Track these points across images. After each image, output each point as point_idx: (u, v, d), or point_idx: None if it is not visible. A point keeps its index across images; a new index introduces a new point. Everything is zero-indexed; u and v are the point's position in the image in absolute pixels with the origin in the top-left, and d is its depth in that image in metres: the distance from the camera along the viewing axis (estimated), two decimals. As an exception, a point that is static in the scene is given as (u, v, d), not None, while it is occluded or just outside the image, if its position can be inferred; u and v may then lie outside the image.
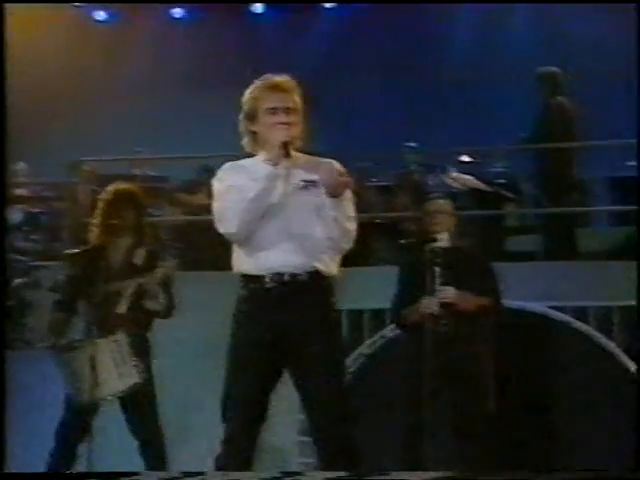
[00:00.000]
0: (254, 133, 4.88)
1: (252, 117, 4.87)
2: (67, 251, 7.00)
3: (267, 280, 4.91)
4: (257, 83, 4.88)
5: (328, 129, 10.08)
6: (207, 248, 8.65)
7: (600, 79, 10.72)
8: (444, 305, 6.17)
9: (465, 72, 11.82)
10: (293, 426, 7.73)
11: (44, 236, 9.29)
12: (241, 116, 4.90)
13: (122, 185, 6.76)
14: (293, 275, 4.91)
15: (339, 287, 4.90)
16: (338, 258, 4.98)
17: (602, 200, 9.91)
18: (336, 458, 4.88)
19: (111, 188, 6.69)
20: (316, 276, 4.93)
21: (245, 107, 4.90)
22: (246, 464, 4.94)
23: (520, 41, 11.75)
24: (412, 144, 10.21)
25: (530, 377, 7.49)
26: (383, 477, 4.56)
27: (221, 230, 4.93)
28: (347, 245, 4.96)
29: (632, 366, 7.63)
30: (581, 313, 7.77)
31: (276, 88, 4.87)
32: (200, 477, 4.72)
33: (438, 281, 6.18)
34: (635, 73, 9.10)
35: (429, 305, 6.08)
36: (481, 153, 9.65)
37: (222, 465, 4.96)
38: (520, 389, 7.14)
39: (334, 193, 4.75)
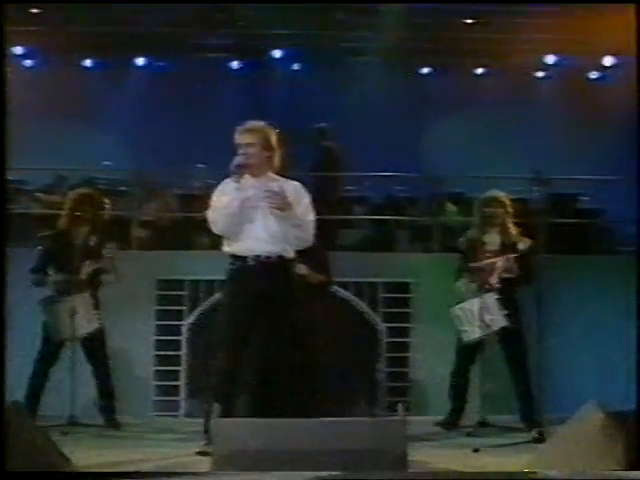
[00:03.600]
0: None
1: (237, 147, 5.84)
2: (41, 233, 7.89)
3: (249, 260, 5.80)
4: (241, 125, 5.89)
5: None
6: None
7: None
8: (298, 277, 6.77)
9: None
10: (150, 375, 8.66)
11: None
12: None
13: (83, 189, 7.97)
14: (267, 257, 5.79)
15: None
16: (295, 247, 5.92)
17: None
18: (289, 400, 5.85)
19: (74, 191, 7.82)
20: (281, 258, 5.84)
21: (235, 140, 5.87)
22: (231, 382, 5.79)
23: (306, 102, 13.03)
24: (201, 165, 11.19)
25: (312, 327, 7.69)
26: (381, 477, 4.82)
27: (213, 230, 5.88)
28: (307, 242, 5.93)
29: (375, 320, 8.84)
30: (344, 285, 8.81)
31: (242, 130, 5.86)
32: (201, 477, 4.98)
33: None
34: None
35: None
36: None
37: (216, 381, 5.79)
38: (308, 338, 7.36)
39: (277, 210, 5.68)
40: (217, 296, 8.58)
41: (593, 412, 5.10)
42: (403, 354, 8.95)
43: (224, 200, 5.81)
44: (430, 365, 8.76)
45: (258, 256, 5.81)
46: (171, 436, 7.41)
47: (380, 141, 12.65)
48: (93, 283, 7.48)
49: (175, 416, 8.68)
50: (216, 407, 4.76)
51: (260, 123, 5.96)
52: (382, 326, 8.91)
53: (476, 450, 6.36)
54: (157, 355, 8.80)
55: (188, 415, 8.67)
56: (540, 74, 14.30)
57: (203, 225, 10.13)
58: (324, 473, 4.45)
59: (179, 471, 5.24)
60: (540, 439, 6.54)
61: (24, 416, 5.01)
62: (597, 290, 9.00)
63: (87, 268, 7.37)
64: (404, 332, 8.96)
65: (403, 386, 8.89)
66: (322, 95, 12.98)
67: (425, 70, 14.19)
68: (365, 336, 8.94)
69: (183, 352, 8.79)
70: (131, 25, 12.34)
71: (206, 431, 5.90)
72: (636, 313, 6.96)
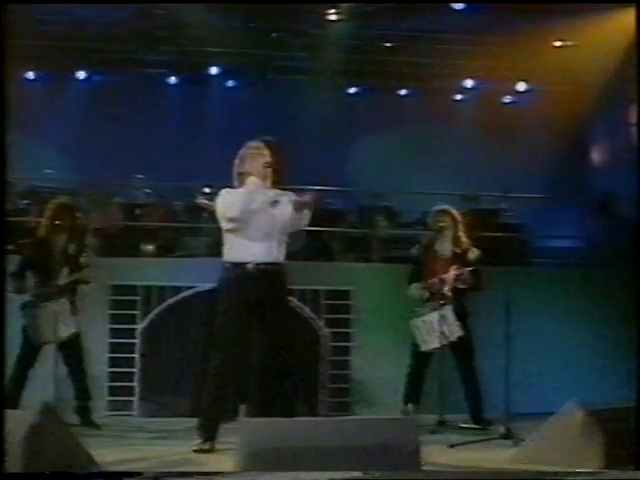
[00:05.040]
0: (240, 173, 6.13)
1: (242, 162, 6.15)
2: (20, 241, 7.76)
3: (248, 266, 6.00)
4: (247, 144, 6.21)
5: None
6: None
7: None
8: None
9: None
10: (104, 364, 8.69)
11: None
12: (236, 161, 6.18)
13: (61, 199, 7.95)
14: (264, 263, 6.00)
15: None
16: (284, 252, 6.15)
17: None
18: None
19: (54, 201, 7.81)
20: (276, 264, 6.08)
21: (239, 156, 6.17)
22: (227, 384, 5.98)
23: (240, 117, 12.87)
24: (141, 176, 11.38)
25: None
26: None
27: (228, 215, 6.00)
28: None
29: (319, 325, 8.93)
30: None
31: (262, 142, 6.17)
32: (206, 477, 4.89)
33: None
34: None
35: None
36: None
37: (213, 383, 5.95)
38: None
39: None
40: (170, 301, 8.82)
41: (574, 410, 5.37)
42: (344, 357, 9.08)
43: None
44: (369, 367, 8.97)
45: (257, 263, 6.01)
46: (152, 435, 7.48)
47: (309, 157, 12.80)
48: (71, 289, 7.56)
49: (131, 415, 8.68)
50: (242, 407, 4.79)
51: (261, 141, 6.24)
52: (325, 331, 9.03)
53: (452, 446, 6.59)
54: (111, 357, 8.84)
55: (140, 415, 8.70)
56: (459, 97, 14.76)
57: (147, 233, 10.60)
58: (344, 474, 4.50)
59: (194, 470, 5.19)
60: (508, 435, 6.80)
61: (56, 418, 5.07)
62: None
63: (66, 275, 7.46)
64: (345, 337, 9.10)
65: (345, 387, 9.03)
66: (256, 111, 13.08)
67: (353, 90, 14.51)
68: (309, 340, 9.02)
69: (136, 355, 8.83)
70: (72, 39, 12.33)
71: (201, 429, 6.05)
72: (636, 317, 7.21)
